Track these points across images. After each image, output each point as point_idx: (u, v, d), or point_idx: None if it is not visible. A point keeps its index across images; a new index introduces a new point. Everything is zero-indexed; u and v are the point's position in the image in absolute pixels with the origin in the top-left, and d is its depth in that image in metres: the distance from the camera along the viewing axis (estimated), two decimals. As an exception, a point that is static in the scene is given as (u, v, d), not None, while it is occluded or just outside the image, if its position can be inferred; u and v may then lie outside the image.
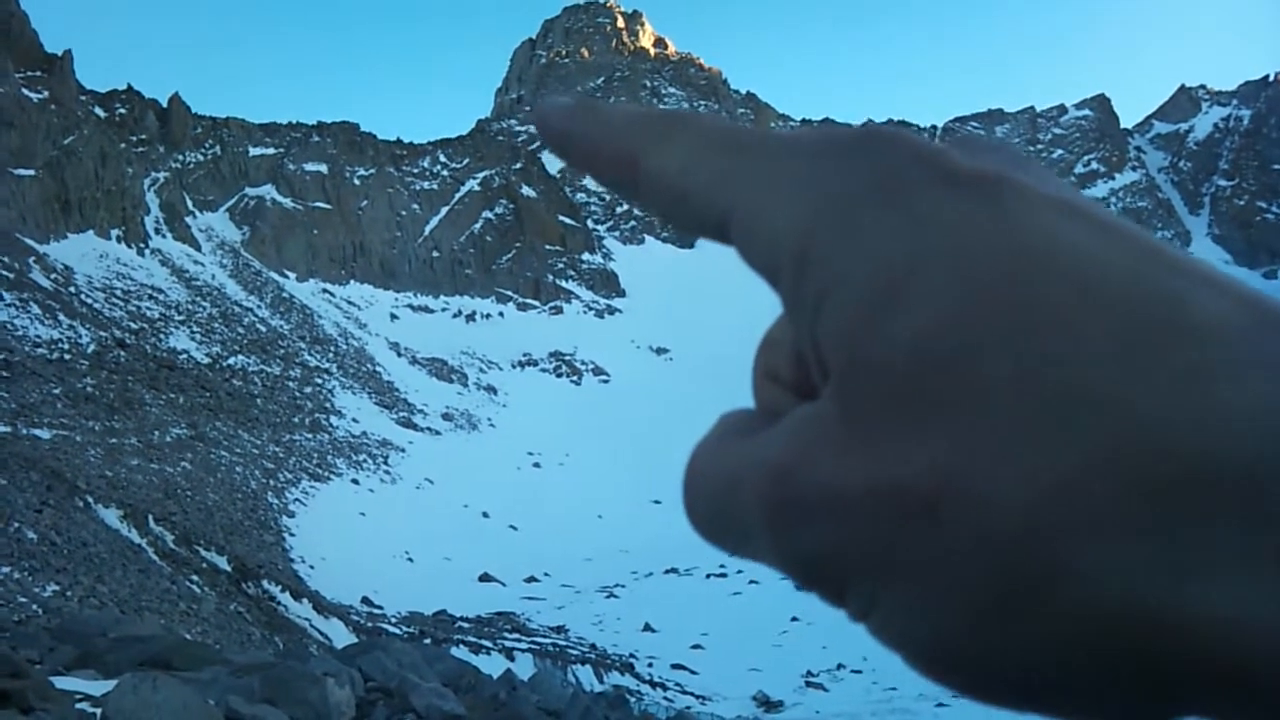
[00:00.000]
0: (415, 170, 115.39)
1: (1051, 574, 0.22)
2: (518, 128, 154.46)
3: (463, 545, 55.73)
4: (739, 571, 51.43)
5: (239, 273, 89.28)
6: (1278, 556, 0.21)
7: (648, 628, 42.24)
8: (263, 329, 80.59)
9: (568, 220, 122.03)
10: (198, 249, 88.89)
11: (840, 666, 36.67)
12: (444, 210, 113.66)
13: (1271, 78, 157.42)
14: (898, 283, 0.24)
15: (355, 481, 63.77)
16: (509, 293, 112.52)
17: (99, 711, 7.09)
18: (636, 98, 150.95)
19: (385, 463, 68.66)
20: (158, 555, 27.61)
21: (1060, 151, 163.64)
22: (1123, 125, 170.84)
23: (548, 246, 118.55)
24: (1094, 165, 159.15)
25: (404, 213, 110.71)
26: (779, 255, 0.27)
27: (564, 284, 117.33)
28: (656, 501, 69.48)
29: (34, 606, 18.48)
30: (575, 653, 35.80)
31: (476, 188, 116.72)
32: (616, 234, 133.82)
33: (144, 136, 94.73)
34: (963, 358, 0.23)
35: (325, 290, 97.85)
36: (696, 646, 39.74)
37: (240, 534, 44.64)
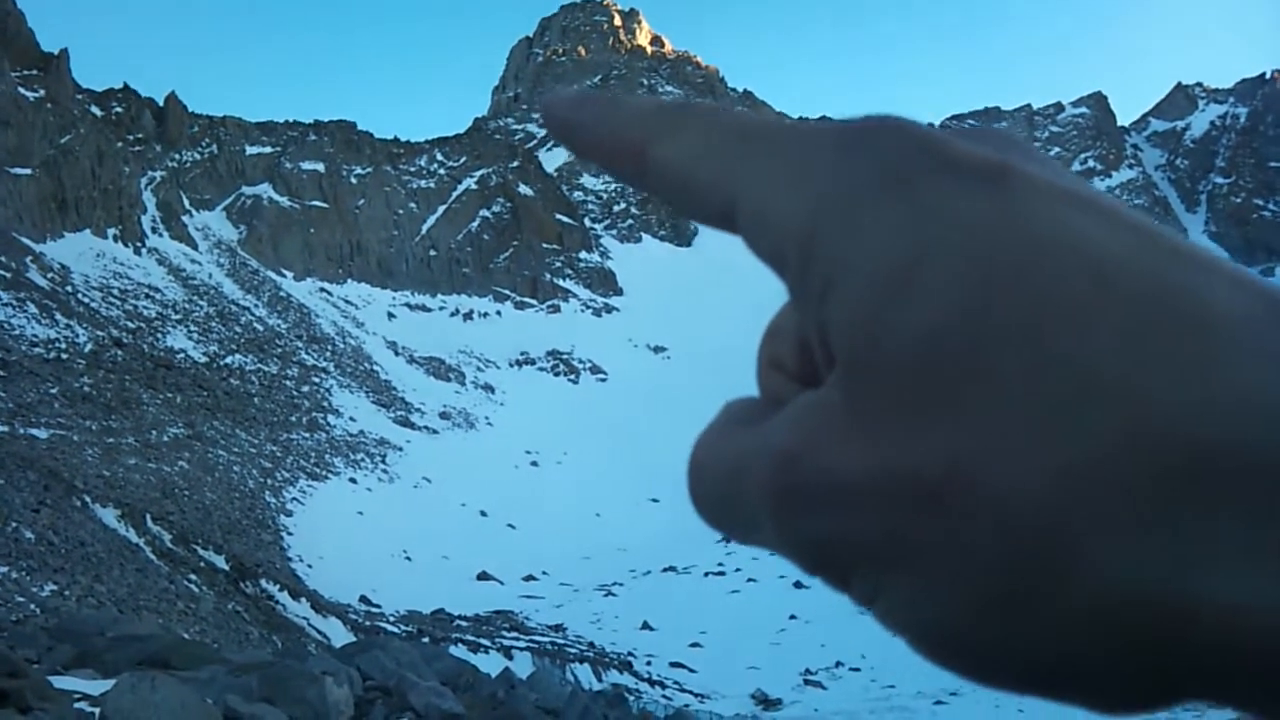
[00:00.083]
0: (412, 169, 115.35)
1: (1059, 562, 0.22)
2: (515, 126, 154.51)
3: (461, 544, 55.74)
4: (737, 570, 51.51)
5: (236, 272, 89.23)
6: None
7: (646, 626, 42.27)
8: (260, 328, 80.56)
9: (565, 219, 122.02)
10: (194, 248, 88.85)
11: (838, 664, 36.73)
12: (441, 209, 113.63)
13: (1268, 75, 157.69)
14: (906, 272, 0.24)
15: (353, 480, 63.78)
16: (506, 291, 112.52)
17: (97, 711, 7.09)
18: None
19: (383, 461, 68.67)
20: (155, 554, 27.60)
21: (1057, 149, 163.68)
22: (1120, 123, 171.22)
23: (545, 245, 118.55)
24: (1091, 163, 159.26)
25: (401, 211, 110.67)
26: (785, 244, 0.27)
27: (561, 282, 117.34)
28: (654, 500, 69.51)
29: (32, 606, 18.49)
30: (574, 651, 35.82)
31: (474, 186, 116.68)
32: (614, 232, 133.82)
33: (140, 135, 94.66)
34: (972, 347, 0.23)
35: (322, 289, 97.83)
36: (695, 645, 39.79)
37: (238, 533, 44.64)
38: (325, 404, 73.70)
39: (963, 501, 0.23)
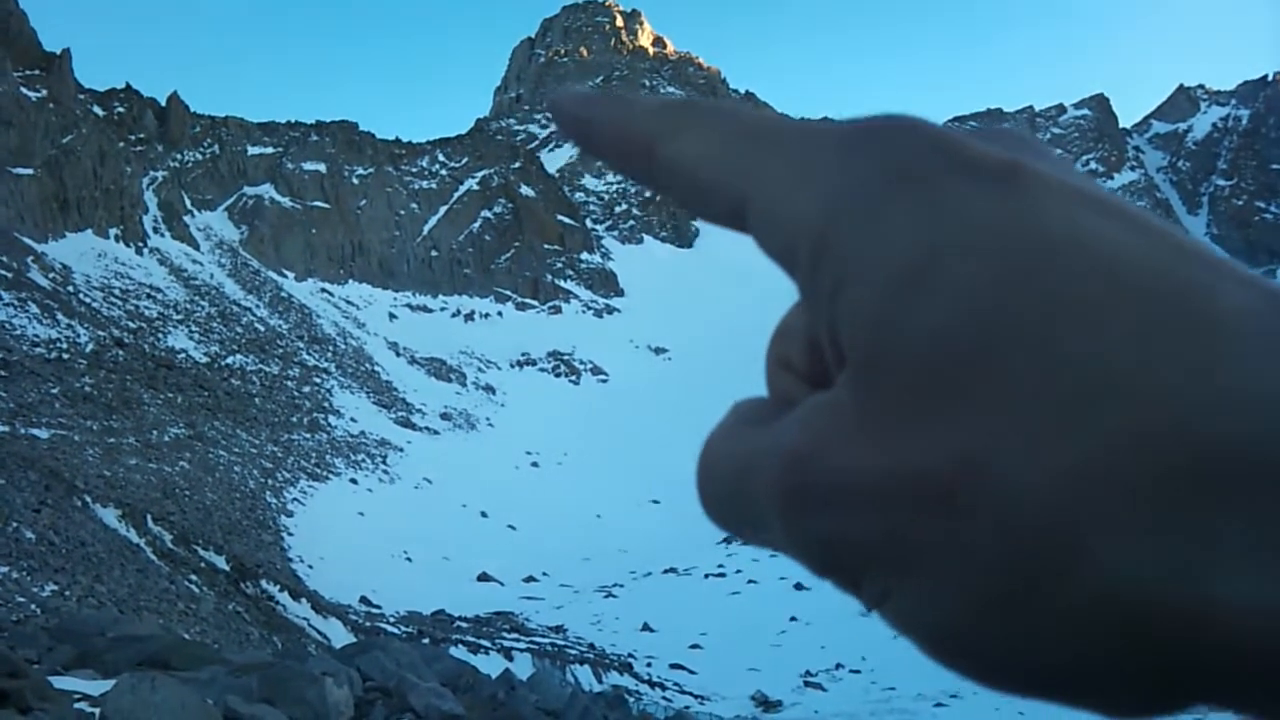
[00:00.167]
0: (414, 170, 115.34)
1: (1070, 562, 0.22)
2: (516, 127, 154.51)
3: (461, 545, 55.70)
4: (738, 571, 51.48)
5: (237, 272, 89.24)
6: None
7: (646, 627, 42.24)
8: (261, 328, 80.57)
9: (566, 220, 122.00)
10: (196, 248, 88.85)
11: (839, 666, 36.68)
12: (442, 210, 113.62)
13: (1270, 77, 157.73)
14: (919, 271, 0.24)
15: (354, 481, 63.76)
16: (507, 292, 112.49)
17: (97, 711, 7.09)
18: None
19: (384, 462, 68.65)
20: (156, 555, 27.60)
21: (1059, 152, 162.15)
22: (1121, 125, 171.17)
23: (546, 246, 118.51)
24: (1093, 165, 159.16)
25: (402, 212, 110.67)
26: (796, 242, 0.27)
27: (562, 283, 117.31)
28: (655, 501, 69.47)
29: (32, 606, 18.48)
30: (574, 652, 35.80)
31: (475, 187, 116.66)
32: (615, 233, 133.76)
33: (142, 135, 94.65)
34: (985, 347, 0.23)
35: (324, 290, 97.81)
36: (695, 646, 39.74)
37: (239, 533, 44.63)
38: (326, 404, 73.70)
39: (974, 501, 0.23)
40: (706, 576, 52.16)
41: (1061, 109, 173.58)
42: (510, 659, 30.45)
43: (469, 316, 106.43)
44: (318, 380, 76.95)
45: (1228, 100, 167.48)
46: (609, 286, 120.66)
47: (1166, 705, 0.23)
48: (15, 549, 21.66)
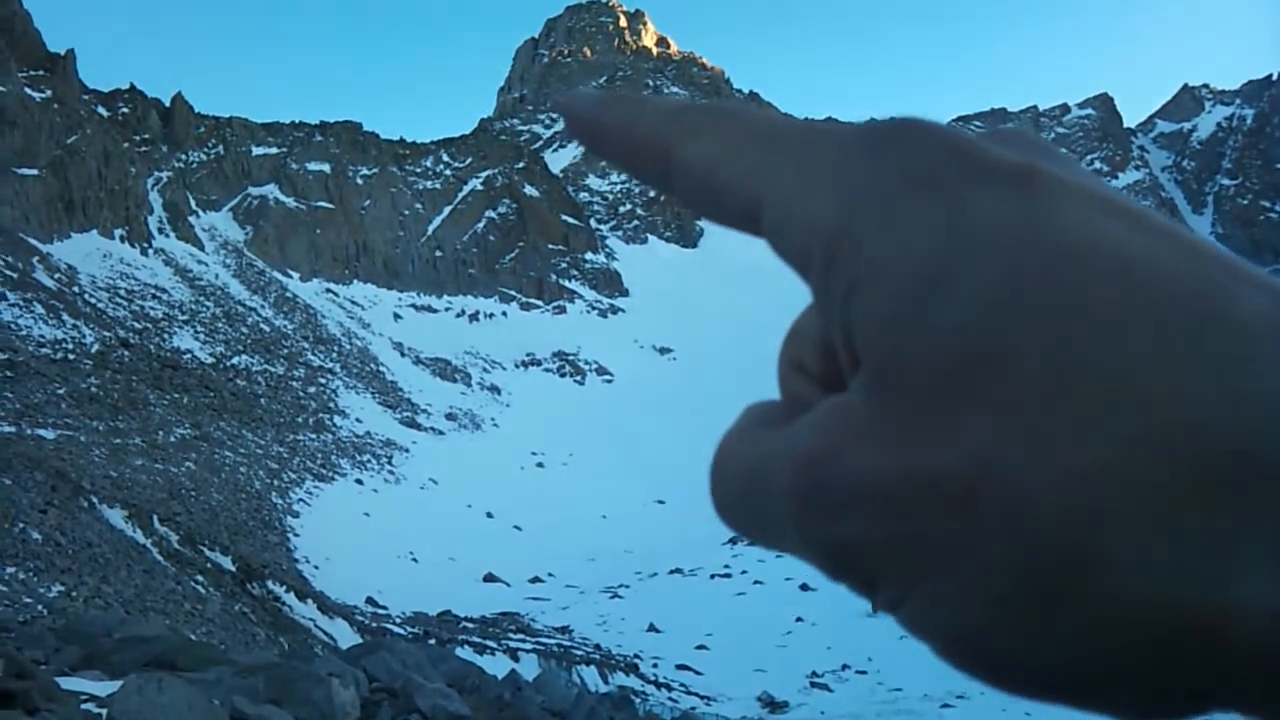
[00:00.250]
0: (418, 170, 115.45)
1: (1089, 565, 0.22)
2: (520, 127, 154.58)
3: (467, 545, 55.74)
4: (744, 572, 51.44)
5: (242, 272, 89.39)
6: None
7: (652, 628, 42.21)
8: (266, 329, 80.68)
9: (571, 220, 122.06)
10: (201, 249, 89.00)
11: (845, 667, 36.65)
12: (447, 210, 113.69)
13: (1275, 77, 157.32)
14: (936, 275, 0.25)
15: (359, 482, 63.83)
16: (512, 292, 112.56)
17: (104, 712, 7.07)
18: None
19: (389, 463, 68.71)
20: (162, 555, 27.62)
21: (1063, 151, 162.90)
22: (1126, 124, 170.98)
23: (551, 246, 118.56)
24: (1097, 165, 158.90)
25: (407, 212, 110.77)
26: (811, 244, 0.27)
27: (567, 283, 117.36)
28: (660, 502, 69.52)
29: (39, 607, 18.49)
30: (580, 653, 35.78)
31: (479, 187, 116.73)
32: (619, 233, 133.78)
33: (147, 136, 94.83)
34: (1002, 349, 0.23)
35: (329, 290, 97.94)
36: (701, 647, 39.71)
37: (245, 534, 44.68)
38: (331, 405, 73.78)
39: (991, 504, 0.23)
40: (712, 577, 52.12)
41: (1066, 109, 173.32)
42: (516, 660, 30.45)
43: (474, 317, 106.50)
44: (323, 381, 77.04)
45: (1232, 100, 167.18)
46: (613, 286, 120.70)
47: (1180, 708, 0.23)
48: (22, 550, 21.69)
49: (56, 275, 66.84)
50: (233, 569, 31.37)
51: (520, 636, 37.71)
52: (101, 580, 22.06)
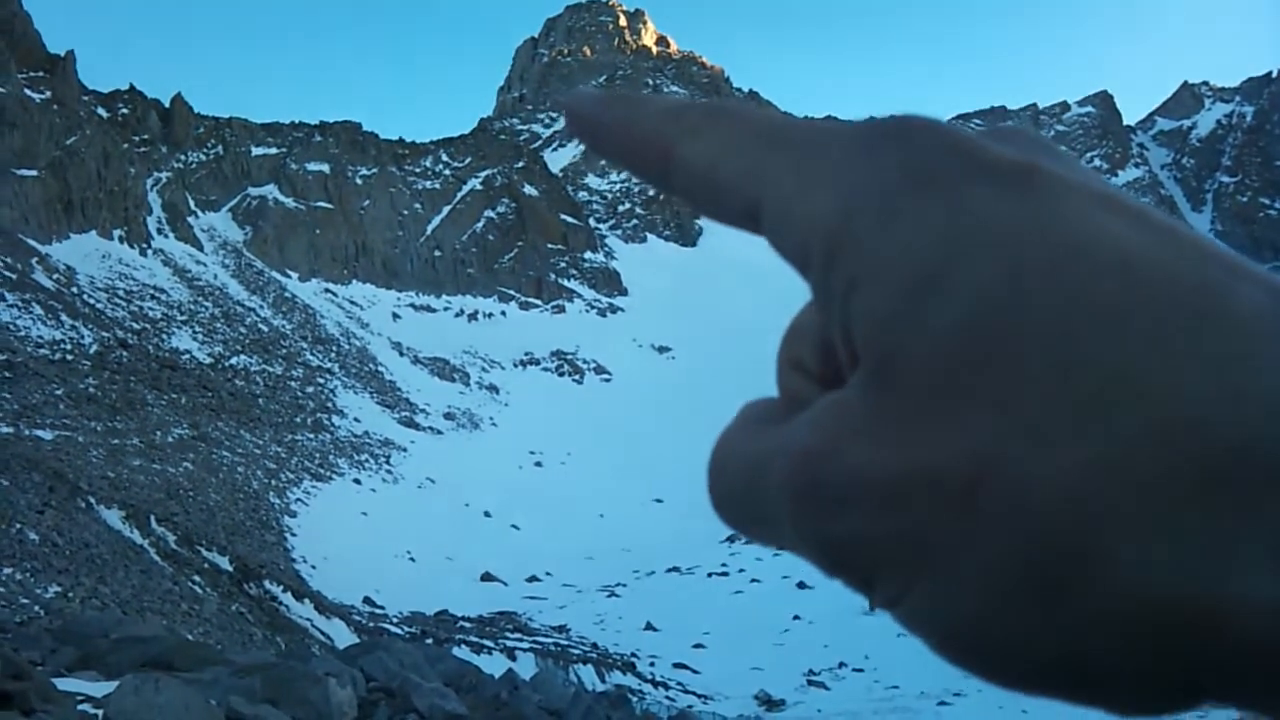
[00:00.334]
0: (417, 169, 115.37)
1: (1089, 561, 0.23)
2: (520, 127, 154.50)
3: (464, 545, 55.77)
4: (741, 570, 51.50)
5: (241, 273, 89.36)
6: None
7: (649, 627, 42.26)
8: (265, 329, 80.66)
9: (570, 219, 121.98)
10: (200, 249, 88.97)
11: (842, 665, 36.71)
12: (446, 209, 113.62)
13: (1275, 74, 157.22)
14: (936, 272, 0.25)
15: (357, 481, 63.83)
16: (511, 292, 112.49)
17: (101, 713, 7.12)
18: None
19: (387, 462, 68.71)
20: (160, 556, 27.65)
21: (1063, 149, 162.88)
22: (1125, 122, 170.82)
23: (550, 245, 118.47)
24: (1097, 162, 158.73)
25: (406, 212, 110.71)
26: (810, 241, 0.27)
27: (566, 283, 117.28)
28: (658, 500, 69.51)
29: (36, 608, 18.54)
30: (577, 652, 35.83)
31: (478, 187, 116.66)
32: (618, 232, 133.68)
33: (146, 136, 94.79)
34: (1002, 347, 0.24)
35: (327, 290, 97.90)
36: (698, 645, 39.76)
37: (242, 534, 44.71)
38: (330, 405, 73.77)
39: (991, 501, 0.23)
40: (709, 575, 52.18)
41: (1065, 106, 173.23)
42: (513, 659, 30.49)
43: (472, 316, 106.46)
44: (321, 380, 77.03)
45: (1232, 97, 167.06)
46: (612, 285, 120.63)
47: (1178, 703, 0.23)
48: (19, 550, 21.72)
49: (55, 276, 66.84)
50: (230, 569, 31.41)
51: (517, 635, 37.77)
52: (98, 581, 22.09)
